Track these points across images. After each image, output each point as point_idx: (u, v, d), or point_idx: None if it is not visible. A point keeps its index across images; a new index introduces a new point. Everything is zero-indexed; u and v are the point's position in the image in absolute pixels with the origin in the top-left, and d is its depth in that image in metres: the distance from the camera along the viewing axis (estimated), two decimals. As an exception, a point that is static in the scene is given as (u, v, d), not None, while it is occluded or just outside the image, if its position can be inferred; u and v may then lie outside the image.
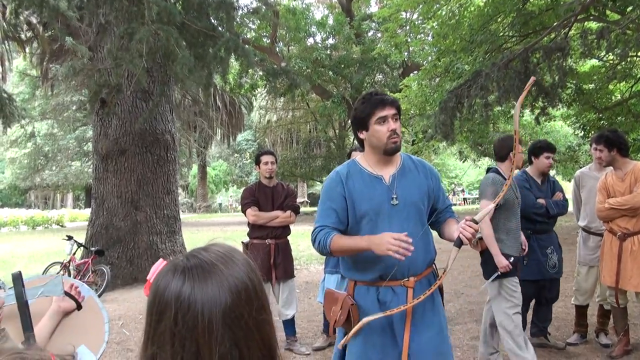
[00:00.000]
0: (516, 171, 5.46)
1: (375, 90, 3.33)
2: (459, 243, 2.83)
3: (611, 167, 5.30)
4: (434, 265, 3.17)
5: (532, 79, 3.02)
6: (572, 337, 5.86)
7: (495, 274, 4.65)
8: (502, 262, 4.60)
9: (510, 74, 9.55)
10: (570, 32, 10.71)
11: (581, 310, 5.90)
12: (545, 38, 10.77)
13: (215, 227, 24.10)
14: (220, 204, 43.82)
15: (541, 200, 5.41)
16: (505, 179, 4.77)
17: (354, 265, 3.11)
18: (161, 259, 1.29)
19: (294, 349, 5.90)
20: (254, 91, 25.83)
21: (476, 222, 2.81)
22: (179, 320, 1.08)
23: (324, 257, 6.22)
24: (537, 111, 12.04)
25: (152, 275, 1.27)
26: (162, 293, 1.12)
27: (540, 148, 5.48)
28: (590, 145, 5.69)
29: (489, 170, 5.11)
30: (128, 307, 8.31)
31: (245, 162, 37.02)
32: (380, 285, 3.01)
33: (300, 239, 15.78)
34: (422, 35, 17.92)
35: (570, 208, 6.00)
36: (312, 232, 3.12)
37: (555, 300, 5.66)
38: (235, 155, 39.10)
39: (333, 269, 5.92)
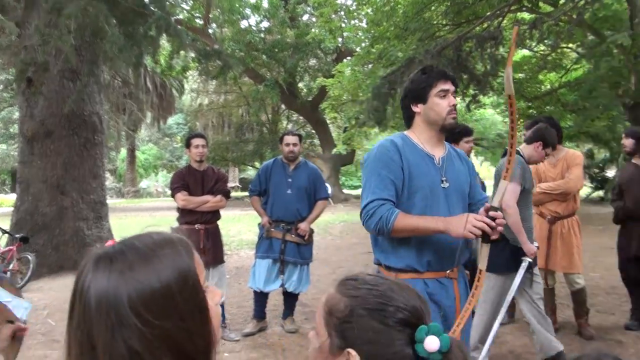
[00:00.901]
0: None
1: (432, 65, 3.09)
2: (487, 239, 2.55)
3: None
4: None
5: (516, 28, 2.72)
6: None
7: (526, 262, 4.33)
8: (531, 248, 4.33)
9: (443, 61, 9.65)
10: (503, 22, 10.90)
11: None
12: (478, 27, 10.93)
13: (144, 212, 23.52)
14: (145, 189, 42.86)
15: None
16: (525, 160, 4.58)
17: (397, 249, 2.79)
18: (112, 240, 1.15)
19: (224, 335, 5.79)
20: (185, 73, 25.30)
21: (496, 209, 2.53)
22: (79, 312, 1.00)
23: (256, 241, 6.17)
24: (468, 99, 12.25)
25: None
26: (77, 279, 1.03)
27: (459, 133, 5.50)
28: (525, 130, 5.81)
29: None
30: (54, 296, 7.98)
31: (175, 146, 36.32)
32: (425, 278, 2.76)
33: (231, 223, 15.60)
34: (357, 21, 17.89)
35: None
36: (367, 205, 2.74)
37: None
38: (166, 139, 38.34)
39: (264, 254, 5.90)
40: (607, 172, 22.79)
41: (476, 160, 38.29)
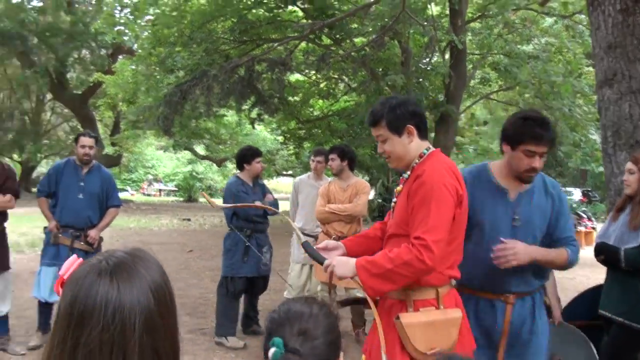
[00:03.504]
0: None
1: (538, 115, 2.97)
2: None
3: (334, 177, 6.04)
4: (541, 289, 3.11)
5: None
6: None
7: None
8: None
9: (234, 78, 10.04)
10: (295, 50, 11.61)
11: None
12: (265, 48, 11.50)
13: None
14: None
15: (258, 203, 5.89)
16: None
17: (466, 265, 2.88)
18: (74, 255, 1.23)
19: (8, 349, 5.34)
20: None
21: None
22: (108, 325, 1.04)
23: (42, 246, 5.84)
24: (253, 116, 12.81)
25: (66, 272, 1.18)
26: (85, 296, 1.07)
27: (252, 155, 5.99)
28: (314, 155, 6.53)
29: None
30: None
31: None
32: (480, 296, 2.97)
33: (15, 222, 14.14)
34: (142, 21, 17.39)
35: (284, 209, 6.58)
36: None
37: (261, 293, 6.33)
38: None
39: (50, 261, 5.52)
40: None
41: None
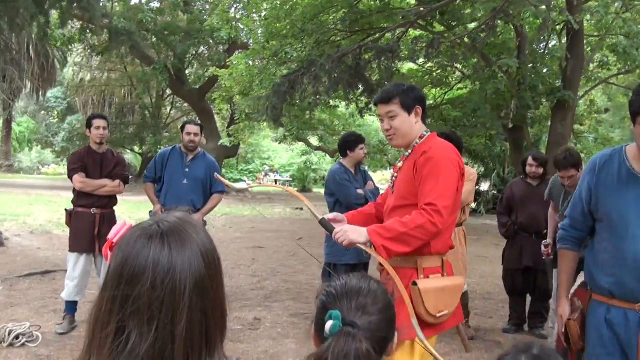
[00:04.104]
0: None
1: None
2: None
3: None
4: None
5: None
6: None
7: None
8: None
9: (342, 67, 9.95)
10: (403, 37, 11.34)
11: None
12: (380, 39, 11.30)
13: (18, 189, 21.91)
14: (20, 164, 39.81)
15: (360, 191, 5.77)
16: None
17: (594, 267, 2.62)
18: (124, 221, 1.24)
19: None
20: (70, 45, 23.94)
21: None
22: (157, 285, 1.06)
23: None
24: (362, 106, 12.67)
25: (115, 235, 1.19)
26: (136, 257, 1.09)
27: (355, 141, 5.86)
28: None
29: None
30: None
31: (52, 121, 34.19)
32: (611, 304, 2.53)
33: (133, 209, 14.96)
34: (254, 15, 17.75)
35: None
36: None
37: None
38: (42, 112, 35.96)
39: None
40: (481, 186, 23.55)
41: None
